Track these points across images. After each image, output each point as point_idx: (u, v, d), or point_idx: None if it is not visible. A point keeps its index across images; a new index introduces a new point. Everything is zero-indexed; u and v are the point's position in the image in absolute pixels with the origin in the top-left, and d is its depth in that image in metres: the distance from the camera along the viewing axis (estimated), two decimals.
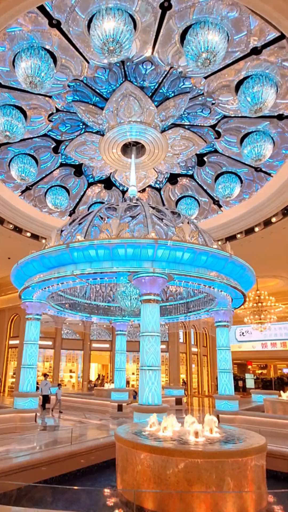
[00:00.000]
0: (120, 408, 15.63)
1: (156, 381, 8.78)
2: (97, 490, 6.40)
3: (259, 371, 36.93)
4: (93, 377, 30.08)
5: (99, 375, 30.96)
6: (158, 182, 15.00)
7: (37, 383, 16.63)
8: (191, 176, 14.44)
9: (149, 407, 8.32)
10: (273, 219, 14.54)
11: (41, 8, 7.98)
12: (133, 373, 28.45)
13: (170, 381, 26.50)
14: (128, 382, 25.16)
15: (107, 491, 6.36)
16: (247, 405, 15.86)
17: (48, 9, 8.05)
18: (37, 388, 15.63)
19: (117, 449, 6.02)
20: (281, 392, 15.66)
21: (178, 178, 14.64)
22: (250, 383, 29.45)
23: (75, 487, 6.41)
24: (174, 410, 17.33)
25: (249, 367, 35.93)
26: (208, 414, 6.35)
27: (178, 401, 19.26)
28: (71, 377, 29.01)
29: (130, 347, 18.88)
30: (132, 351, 25.12)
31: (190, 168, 14.01)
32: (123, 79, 10.14)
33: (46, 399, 16.14)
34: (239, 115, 10.89)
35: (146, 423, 6.65)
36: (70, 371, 29.17)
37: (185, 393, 21.25)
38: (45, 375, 17.43)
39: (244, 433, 6.39)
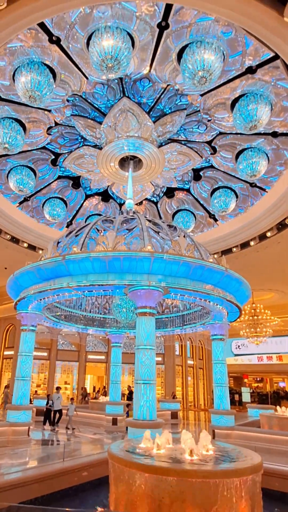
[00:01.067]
0: (115, 422, 15.41)
1: (151, 396, 8.69)
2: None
3: (255, 385, 36.61)
4: (88, 388, 29.71)
5: (94, 387, 30.58)
6: (155, 196, 15.14)
7: (48, 396, 16.12)
8: (188, 190, 14.60)
9: (143, 423, 8.19)
10: (268, 234, 14.68)
11: (42, 25, 8.17)
12: (128, 386, 28.13)
13: (165, 394, 26.22)
14: (123, 395, 24.87)
15: (100, 510, 6.23)
16: (243, 420, 15.70)
17: (48, 26, 8.24)
18: (47, 402, 15.18)
19: (110, 466, 5.91)
20: (277, 407, 15.56)
21: (174, 192, 14.80)
22: (246, 397, 29.19)
23: (67, 509, 6.26)
24: (169, 424, 17.14)
25: (245, 380, 35.63)
26: (204, 430, 6.28)
27: (174, 415, 19.02)
28: (66, 388, 28.64)
29: (125, 359, 18.74)
30: (128, 363, 24.91)
31: (187, 182, 14.18)
32: (121, 95, 10.33)
33: (58, 414, 15.07)
34: (235, 132, 11.09)
35: (140, 439, 6.57)
36: (65, 382, 28.81)
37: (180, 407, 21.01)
38: (57, 388, 16.26)
39: (240, 450, 6.32)
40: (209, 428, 12.15)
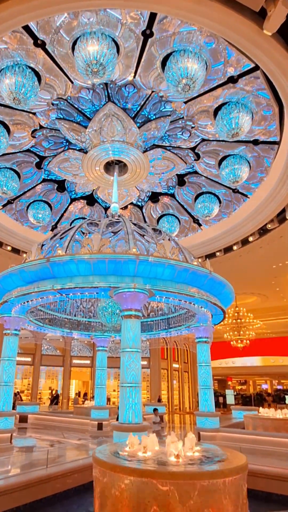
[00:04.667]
0: (100, 426, 15.31)
1: (137, 399, 8.70)
2: None
3: (239, 387, 37.09)
4: (73, 394, 29.39)
5: (78, 392, 30.26)
6: (140, 200, 15.25)
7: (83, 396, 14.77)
8: (172, 195, 14.79)
9: (129, 426, 8.14)
10: (250, 238, 15.01)
11: (26, 28, 8.18)
12: (114, 390, 28.01)
13: (151, 398, 26.24)
14: (108, 399, 24.71)
15: None
16: (228, 422, 15.87)
17: (33, 30, 8.26)
18: (155, 412, 14.35)
19: (95, 471, 5.90)
20: (260, 408, 15.82)
21: (159, 197, 14.94)
22: (230, 399, 29.48)
23: None
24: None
25: (229, 383, 36.05)
26: (190, 432, 6.35)
27: (160, 418, 19.04)
28: (50, 394, 28.27)
29: (111, 364, 18.67)
30: (113, 367, 24.82)
31: (171, 187, 14.36)
32: (107, 100, 10.42)
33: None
34: (217, 139, 11.33)
35: (125, 443, 6.57)
36: (50, 388, 28.43)
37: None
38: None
39: (225, 452, 6.40)
40: (195, 430, 12.25)
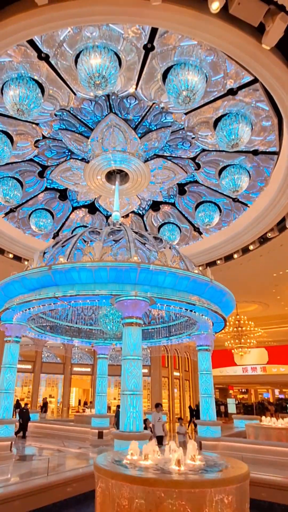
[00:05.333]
0: (100, 435, 15.22)
1: (138, 407, 8.70)
2: None
3: (241, 396, 36.79)
4: (73, 402, 29.22)
5: (80, 401, 30.08)
6: (141, 209, 15.40)
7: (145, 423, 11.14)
8: (173, 204, 14.93)
9: (130, 434, 8.09)
10: (251, 247, 15.11)
11: (31, 42, 8.40)
12: (114, 398, 27.84)
13: (152, 406, 26.03)
14: (109, 408, 24.54)
15: None
16: (229, 431, 15.78)
17: (37, 43, 8.48)
18: (145, 423, 11.02)
19: (96, 479, 5.88)
20: (262, 417, 15.72)
21: (160, 205, 15.09)
22: (231, 408, 29.27)
23: None
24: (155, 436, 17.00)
25: (231, 391, 35.79)
26: (191, 441, 6.35)
27: (185, 429, 18.86)
28: (50, 402, 28.10)
29: (111, 371, 18.62)
30: (114, 375, 24.71)
31: (172, 196, 14.51)
32: (108, 111, 10.62)
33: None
34: (217, 149, 11.50)
35: (127, 451, 6.57)
36: (50, 396, 28.29)
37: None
38: (158, 405, 12.55)
39: (227, 460, 6.39)
40: (196, 439, 12.18)
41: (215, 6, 6.35)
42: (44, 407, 23.55)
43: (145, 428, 12.57)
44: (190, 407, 25.47)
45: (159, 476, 5.19)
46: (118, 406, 16.73)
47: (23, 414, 16.04)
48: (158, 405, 12.32)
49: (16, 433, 14.44)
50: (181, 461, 5.62)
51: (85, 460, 10.84)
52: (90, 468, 7.95)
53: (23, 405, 17.85)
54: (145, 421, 12.34)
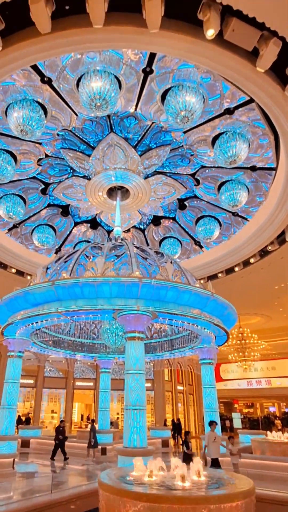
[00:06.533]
0: (104, 451, 15.06)
1: (142, 422, 8.68)
2: None
3: (246, 410, 36.23)
4: (76, 417, 28.87)
5: (83, 416, 29.71)
6: (142, 223, 15.63)
7: (186, 437, 11.20)
8: (173, 219, 15.15)
9: (134, 450, 8.09)
10: (251, 260, 15.24)
11: (34, 67, 8.74)
12: (117, 413, 27.52)
13: (156, 421, 25.71)
14: (112, 423, 24.24)
15: None
16: (235, 446, 15.53)
17: (40, 68, 8.83)
18: (187, 444, 10.66)
19: (101, 496, 5.86)
20: (268, 432, 15.52)
21: (161, 220, 15.32)
22: (237, 422, 28.84)
23: None
24: (160, 453, 16.78)
25: (236, 405, 35.27)
26: (197, 457, 6.33)
27: (165, 443, 18.67)
28: (52, 417, 27.77)
29: (114, 386, 18.52)
30: (117, 390, 24.51)
31: (172, 211, 14.75)
32: (109, 130, 10.94)
33: (216, 463, 9.75)
34: (216, 165, 11.76)
35: (131, 467, 6.55)
36: (52, 411, 27.96)
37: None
38: (212, 422, 10.55)
39: (232, 476, 6.36)
40: (201, 454, 12.03)
41: (210, 33, 6.65)
42: (27, 422, 22.93)
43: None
44: (173, 420, 24.98)
45: (163, 492, 5.19)
46: (93, 421, 16.00)
47: (61, 432, 14.18)
48: (212, 423, 10.41)
49: (52, 455, 13.77)
50: (185, 477, 5.62)
51: (88, 477, 10.74)
52: (94, 485, 7.89)
53: (58, 423, 15.76)
54: (230, 438, 10.55)
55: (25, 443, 16.96)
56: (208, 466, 9.29)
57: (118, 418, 25.51)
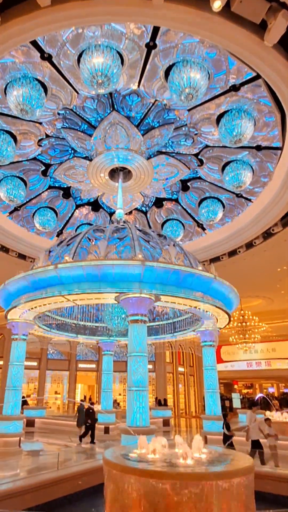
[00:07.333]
0: (107, 430, 15.41)
1: (144, 402, 8.84)
2: None
3: (245, 391, 36.93)
4: (78, 398, 29.49)
5: (85, 397, 30.31)
6: (144, 205, 15.46)
7: (225, 419, 10.87)
8: (176, 200, 14.97)
9: (137, 429, 8.25)
10: (255, 242, 15.14)
11: (34, 43, 8.43)
12: (119, 394, 28.07)
13: (157, 402, 26.22)
14: (118, 403, 24.72)
15: None
16: (235, 425, 15.86)
17: (40, 44, 8.51)
18: (228, 425, 10.30)
19: (105, 473, 6.00)
20: (267, 411, 15.82)
21: (163, 202, 15.15)
22: (236, 402, 29.42)
23: None
24: (162, 432, 17.19)
25: (235, 386, 35.94)
26: (197, 435, 6.46)
27: (166, 423, 19.09)
28: (56, 398, 28.38)
29: (116, 368, 18.78)
30: (119, 372, 24.90)
31: (175, 192, 14.55)
32: (111, 109, 10.66)
33: (257, 445, 9.46)
34: (220, 145, 11.51)
35: (134, 446, 6.69)
36: (56, 392, 28.55)
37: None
38: (253, 403, 10.45)
39: (231, 453, 6.50)
40: (201, 434, 12.31)
41: (217, 5, 6.38)
42: (23, 404, 23.29)
43: None
44: (156, 398, 24.75)
45: (166, 469, 5.32)
46: (81, 403, 15.79)
47: (90, 415, 13.35)
48: (254, 404, 10.28)
49: (81, 437, 13.23)
50: (187, 454, 5.75)
51: (92, 455, 11.00)
52: (98, 462, 8.08)
53: (86, 405, 14.41)
54: (267, 420, 10.17)
55: (30, 423, 17.36)
56: (250, 448, 9.28)
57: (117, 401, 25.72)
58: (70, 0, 7.01)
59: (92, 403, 16.34)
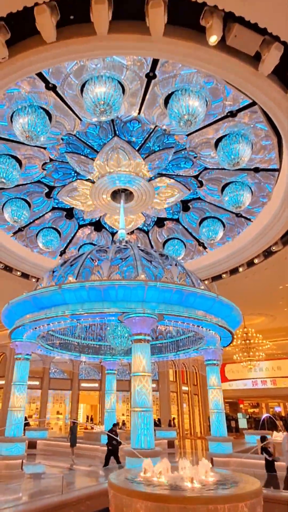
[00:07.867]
0: None
1: (149, 423, 8.79)
2: None
3: (251, 410, 36.19)
4: (81, 418, 29.00)
5: (88, 417, 29.83)
6: (146, 225, 15.73)
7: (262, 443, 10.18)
8: (177, 220, 15.24)
9: (141, 451, 8.16)
10: (255, 260, 15.27)
11: (39, 74, 8.85)
12: (122, 414, 27.61)
13: (161, 422, 25.75)
14: (118, 424, 24.30)
15: None
16: (241, 447, 15.60)
17: (45, 75, 8.95)
18: (266, 450, 9.79)
19: (111, 496, 5.95)
20: (274, 432, 15.54)
21: (164, 222, 15.41)
22: (242, 423, 28.85)
23: None
24: (166, 454, 16.87)
25: (241, 406, 35.25)
26: (203, 458, 6.42)
27: (170, 444, 18.74)
28: (58, 419, 27.92)
29: (119, 387, 18.61)
30: (122, 391, 24.61)
31: (176, 212, 14.83)
32: (113, 134, 11.04)
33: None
34: (219, 167, 11.83)
35: (140, 469, 6.63)
36: (58, 412, 28.11)
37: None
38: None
39: (239, 476, 6.42)
40: (207, 455, 12.10)
41: (213, 39, 6.75)
42: (26, 425, 22.99)
43: None
44: (159, 419, 24.38)
45: (172, 492, 5.29)
46: (73, 422, 15.87)
47: (112, 439, 12.23)
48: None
49: (105, 462, 12.27)
50: (194, 478, 5.70)
51: (96, 478, 10.84)
52: (103, 486, 7.99)
53: (113, 426, 13.62)
54: None
55: (32, 444, 17.12)
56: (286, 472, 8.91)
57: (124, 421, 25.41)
58: (74, 36, 7.41)
59: (74, 422, 15.84)
